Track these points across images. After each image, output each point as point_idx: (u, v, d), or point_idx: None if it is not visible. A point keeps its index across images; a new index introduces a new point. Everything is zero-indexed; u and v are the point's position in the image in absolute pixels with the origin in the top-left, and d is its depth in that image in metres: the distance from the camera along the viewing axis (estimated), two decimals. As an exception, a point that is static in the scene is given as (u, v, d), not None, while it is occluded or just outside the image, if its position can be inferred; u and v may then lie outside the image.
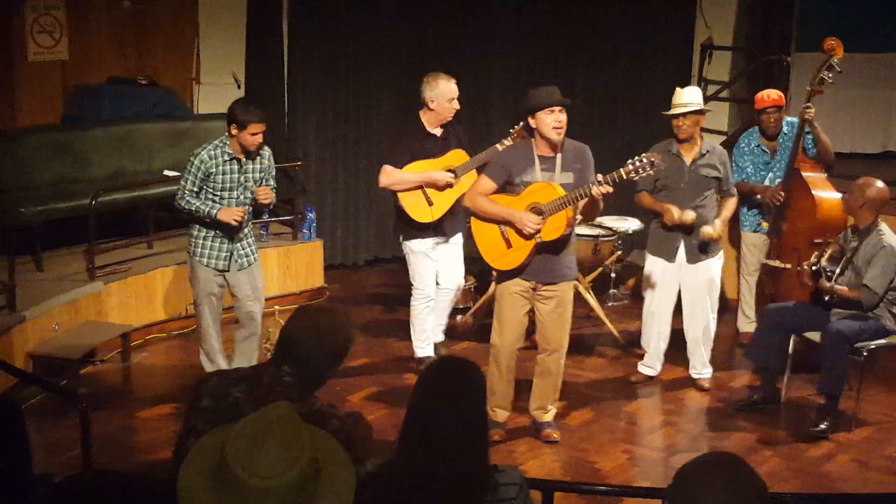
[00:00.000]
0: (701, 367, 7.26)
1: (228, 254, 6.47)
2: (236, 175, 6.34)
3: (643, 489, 5.41)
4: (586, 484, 5.64)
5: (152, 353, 7.81)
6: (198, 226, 6.44)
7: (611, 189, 5.68)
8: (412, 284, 7.21)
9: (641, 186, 6.88)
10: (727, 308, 8.41)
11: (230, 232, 6.40)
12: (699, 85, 9.99)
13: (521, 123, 6.71)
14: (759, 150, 7.78)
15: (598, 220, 7.98)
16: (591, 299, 8.25)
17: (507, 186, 5.99)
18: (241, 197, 6.39)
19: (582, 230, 7.77)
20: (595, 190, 5.65)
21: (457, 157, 6.98)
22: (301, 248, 9.07)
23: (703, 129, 7.07)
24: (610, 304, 8.86)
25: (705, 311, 7.12)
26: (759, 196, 7.71)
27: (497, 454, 5.85)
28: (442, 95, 6.86)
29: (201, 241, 6.45)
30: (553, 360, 6.22)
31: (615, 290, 9.04)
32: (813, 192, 7.50)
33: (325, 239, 9.48)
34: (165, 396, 6.93)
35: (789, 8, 10.01)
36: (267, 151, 6.51)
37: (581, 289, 7.97)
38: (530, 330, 6.43)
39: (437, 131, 6.98)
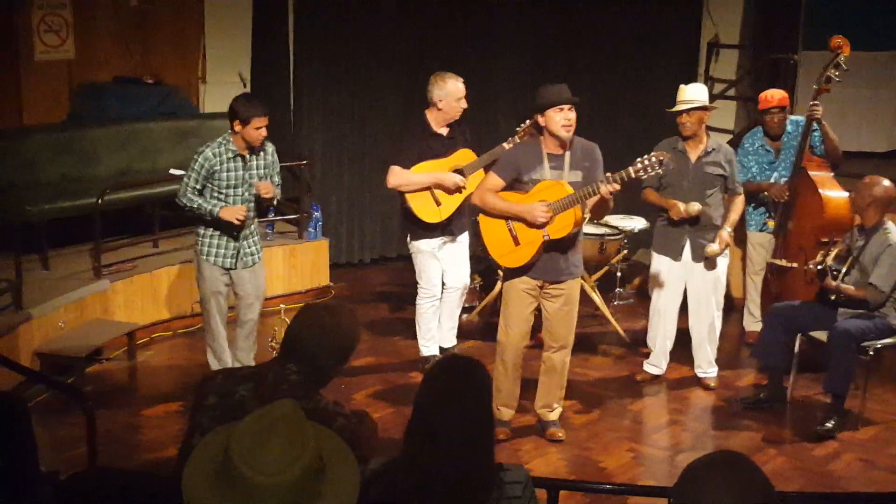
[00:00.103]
0: (706, 365, 7.26)
1: (235, 251, 6.48)
2: (241, 172, 6.35)
3: (648, 488, 5.41)
4: (591, 483, 5.63)
5: (158, 351, 7.82)
6: (204, 225, 6.44)
7: (619, 187, 5.67)
8: (418, 283, 7.21)
9: (646, 183, 6.87)
10: (733, 307, 8.42)
11: (233, 230, 6.40)
12: (705, 83, 9.98)
13: (528, 121, 6.71)
14: (763, 150, 7.77)
15: (604, 218, 7.97)
16: (597, 298, 8.24)
17: (515, 184, 5.99)
18: (246, 194, 6.40)
19: (588, 229, 7.76)
20: (604, 188, 5.64)
21: (464, 156, 6.97)
22: (306, 246, 9.07)
23: (708, 128, 7.07)
24: (615, 303, 8.86)
25: (710, 309, 7.12)
26: (765, 193, 7.71)
27: (502, 453, 5.84)
28: (450, 95, 6.85)
29: (208, 240, 6.45)
30: (559, 358, 6.22)
31: (621, 289, 9.03)
32: (820, 190, 7.49)
33: (330, 237, 9.48)
34: (171, 394, 6.94)
35: (796, 6, 10.01)
36: (270, 147, 6.52)
37: (587, 287, 7.96)
38: (536, 328, 6.43)
39: (444, 131, 6.97)
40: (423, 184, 6.86)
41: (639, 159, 5.76)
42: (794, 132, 7.67)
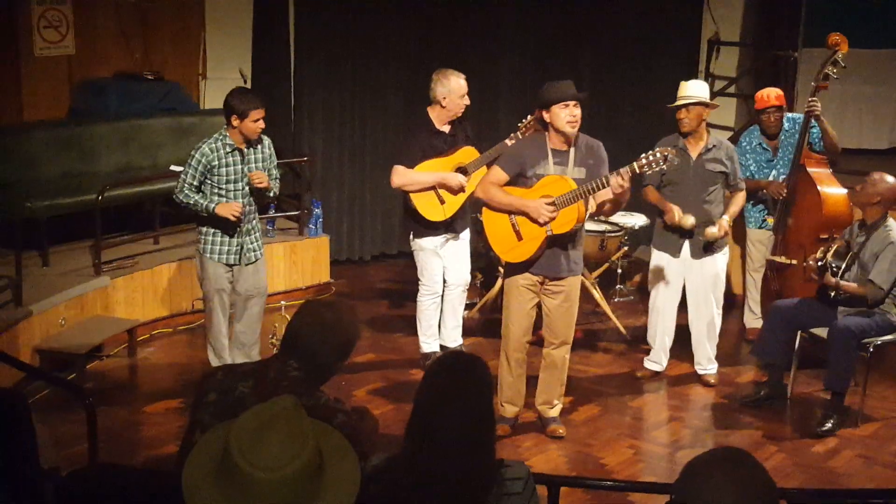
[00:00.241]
0: (706, 362, 7.26)
1: (238, 247, 6.48)
2: (240, 166, 6.35)
3: (649, 484, 5.43)
4: (592, 479, 5.64)
5: (158, 347, 7.82)
6: (205, 223, 6.44)
7: (627, 182, 5.67)
8: (419, 280, 7.20)
9: (648, 181, 6.88)
10: (733, 304, 8.41)
11: (234, 226, 6.40)
12: (706, 80, 9.96)
13: (530, 117, 6.71)
14: (760, 149, 7.78)
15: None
16: (598, 294, 8.24)
17: (519, 179, 5.99)
18: (246, 188, 6.40)
19: (588, 226, 7.75)
20: (613, 180, 5.64)
21: (467, 154, 6.97)
22: (307, 243, 9.07)
23: (709, 125, 7.06)
24: (616, 300, 8.86)
25: (710, 306, 7.12)
26: (763, 191, 7.71)
27: (503, 449, 5.83)
28: (454, 92, 6.85)
29: (210, 238, 6.45)
30: (559, 354, 6.23)
31: (621, 286, 9.03)
32: (819, 187, 7.49)
33: (331, 234, 9.48)
34: (171, 391, 6.94)
35: (797, 3, 9.99)
36: (267, 140, 6.53)
37: (587, 284, 7.96)
38: (537, 325, 6.43)
39: (446, 128, 6.96)
40: (427, 183, 6.86)
41: (644, 154, 5.77)
42: (792, 129, 7.67)
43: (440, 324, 7.32)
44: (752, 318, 8.10)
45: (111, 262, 7.87)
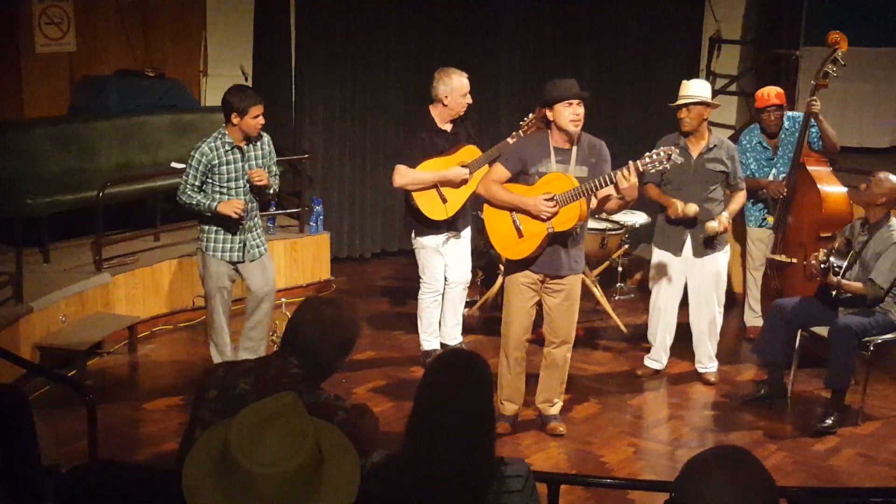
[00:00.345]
0: (707, 360, 7.26)
1: (241, 244, 6.47)
2: (240, 164, 6.34)
3: (649, 482, 5.43)
4: (592, 477, 5.65)
5: (159, 344, 7.82)
6: (207, 221, 6.43)
7: (633, 179, 5.66)
8: (420, 278, 7.20)
9: (648, 178, 6.87)
10: (733, 302, 8.41)
11: (236, 224, 6.39)
12: (707, 79, 9.97)
13: (531, 115, 6.71)
14: (760, 147, 7.78)
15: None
16: (598, 293, 8.24)
17: (520, 176, 5.99)
18: (247, 186, 6.39)
19: (589, 224, 7.75)
20: (619, 177, 5.64)
21: (469, 153, 6.96)
22: (308, 240, 9.07)
23: (709, 124, 7.06)
24: (616, 298, 8.86)
25: (711, 304, 7.12)
26: (763, 190, 7.71)
27: (503, 447, 5.85)
28: (456, 91, 6.84)
29: (213, 236, 6.44)
30: (560, 353, 6.23)
31: (622, 284, 9.03)
32: (819, 186, 7.50)
33: (331, 231, 9.48)
34: (172, 388, 6.94)
35: (798, 2, 9.99)
36: (266, 137, 6.52)
37: (588, 282, 7.96)
38: (537, 323, 6.43)
39: (448, 127, 6.96)
40: (429, 182, 6.85)
41: (647, 153, 5.77)
42: (792, 128, 7.67)
43: (440, 322, 7.32)
44: (753, 317, 8.10)
45: (112, 259, 7.87)
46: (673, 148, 5.82)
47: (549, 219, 5.84)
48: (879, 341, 6.50)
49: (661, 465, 6.04)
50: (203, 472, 2.40)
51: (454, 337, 7.37)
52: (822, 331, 6.66)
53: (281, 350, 3.49)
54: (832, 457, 6.17)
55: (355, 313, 3.65)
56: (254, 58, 9.63)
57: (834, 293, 6.59)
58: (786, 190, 7.55)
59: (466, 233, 7.20)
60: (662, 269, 7.13)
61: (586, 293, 7.59)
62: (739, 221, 7.98)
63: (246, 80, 9.30)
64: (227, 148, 6.29)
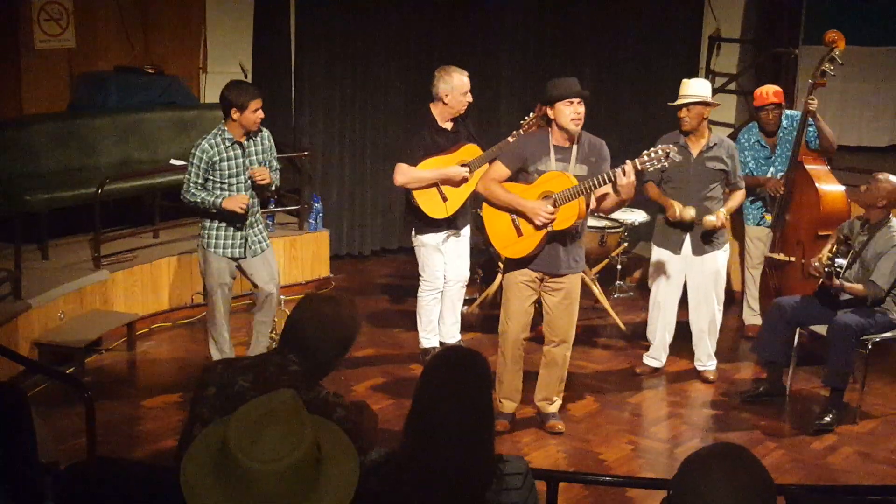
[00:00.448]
0: (706, 359, 7.26)
1: (243, 240, 6.46)
2: (241, 159, 6.33)
3: (647, 480, 5.43)
4: (591, 474, 5.65)
5: (157, 342, 7.82)
6: (209, 217, 6.42)
7: (631, 178, 5.66)
8: (420, 276, 7.20)
9: (648, 177, 6.87)
10: (732, 301, 8.41)
11: (239, 219, 6.38)
12: (707, 77, 9.96)
13: (532, 114, 6.70)
14: (758, 146, 7.78)
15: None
16: (597, 290, 8.24)
17: (520, 174, 5.99)
18: (248, 182, 6.38)
19: (588, 222, 7.76)
20: (618, 176, 5.64)
21: (470, 151, 6.96)
22: (307, 237, 9.07)
23: (709, 123, 7.05)
24: (615, 296, 8.85)
25: (711, 303, 7.12)
26: (761, 188, 7.71)
27: (502, 444, 5.85)
28: (456, 89, 6.84)
29: (214, 232, 6.42)
30: (559, 352, 6.23)
31: (621, 282, 9.03)
32: (816, 184, 7.50)
33: (331, 229, 9.47)
34: (170, 385, 6.94)
35: (798, 0, 9.99)
36: (266, 132, 6.51)
37: (587, 280, 7.96)
38: (536, 321, 6.43)
39: (448, 125, 6.95)
40: (430, 180, 6.85)
41: (645, 152, 5.77)
42: (790, 127, 7.68)
43: (439, 320, 7.32)
44: (751, 315, 8.10)
45: (110, 256, 7.86)
46: (671, 146, 5.81)
47: (545, 225, 5.83)
48: (878, 340, 6.51)
49: (660, 463, 6.04)
50: (202, 469, 2.40)
51: (453, 335, 7.37)
52: (821, 329, 6.66)
53: (280, 347, 3.49)
54: (830, 455, 6.17)
55: (355, 310, 3.64)
56: (253, 55, 9.62)
57: (833, 293, 6.59)
58: (783, 188, 7.55)
59: (466, 231, 7.20)
60: (662, 268, 7.13)
61: (585, 291, 7.59)
62: (738, 220, 7.99)
63: (246, 77, 9.30)
64: (228, 144, 6.28)
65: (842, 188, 7.58)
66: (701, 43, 10.63)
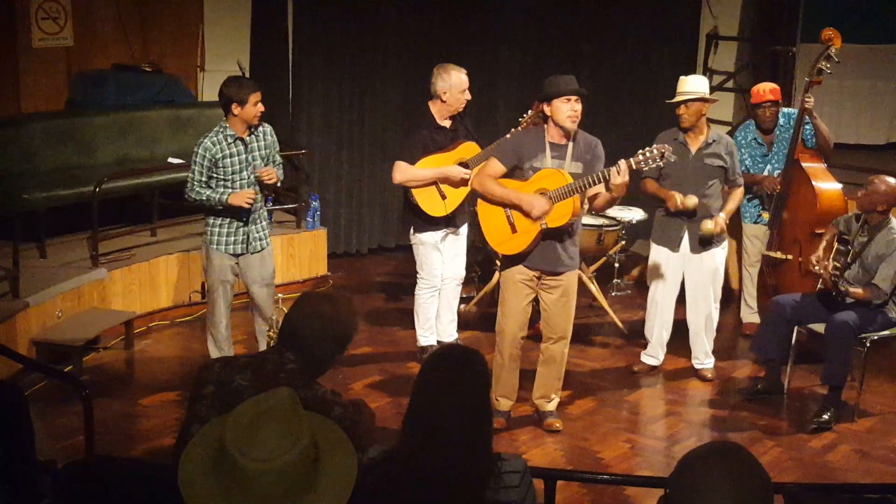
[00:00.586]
0: (703, 357, 7.27)
1: (245, 236, 6.44)
2: (244, 155, 6.32)
3: (645, 478, 5.43)
4: (588, 473, 5.65)
5: (155, 340, 7.81)
6: (213, 214, 6.41)
7: (625, 178, 5.66)
8: (418, 274, 7.20)
9: (646, 173, 6.86)
10: (730, 299, 8.42)
11: (243, 215, 6.37)
12: (704, 75, 9.96)
13: (530, 112, 6.70)
14: (755, 144, 7.78)
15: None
16: (594, 289, 8.25)
17: (515, 171, 6.00)
18: (251, 177, 6.37)
19: (586, 220, 7.75)
20: (613, 175, 5.64)
21: (469, 149, 6.96)
22: (305, 236, 9.07)
23: (707, 120, 7.06)
24: (613, 294, 8.85)
25: (708, 300, 7.12)
26: (758, 186, 7.71)
27: (500, 443, 5.86)
28: (454, 87, 6.84)
29: (217, 229, 6.40)
30: (557, 349, 6.23)
31: (618, 280, 9.03)
32: (813, 182, 7.51)
33: (328, 227, 9.47)
34: (168, 383, 6.94)
35: (795, -2, 10.00)
36: (268, 127, 6.49)
37: (584, 278, 7.97)
38: (534, 319, 6.44)
39: (447, 123, 6.96)
40: (428, 178, 6.85)
41: (640, 151, 5.78)
42: (787, 125, 7.68)
43: (436, 318, 7.32)
44: (749, 313, 8.11)
45: (108, 255, 7.87)
46: (666, 146, 5.82)
47: (540, 217, 5.84)
48: (876, 338, 6.52)
49: (658, 462, 6.05)
50: (199, 467, 2.40)
51: (450, 333, 7.38)
52: (819, 327, 6.67)
53: (278, 345, 3.50)
54: (828, 453, 6.17)
55: (352, 308, 3.65)
56: (251, 53, 9.62)
57: (840, 299, 6.57)
58: (780, 186, 7.56)
59: (464, 230, 7.20)
60: (660, 266, 7.14)
61: (583, 289, 7.60)
62: (735, 218, 7.98)
63: (243, 75, 9.29)
64: (230, 140, 6.27)
65: (838, 186, 7.59)
66: (698, 41, 10.62)
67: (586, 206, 6.17)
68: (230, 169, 6.28)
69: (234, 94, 6.20)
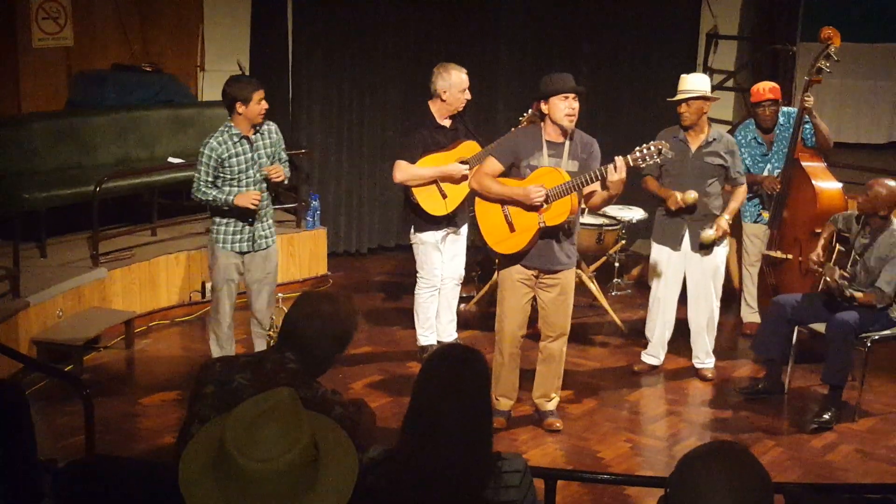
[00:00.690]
0: (704, 356, 7.26)
1: (251, 234, 6.43)
2: (249, 154, 6.31)
3: (645, 478, 5.43)
4: (589, 472, 5.65)
5: (155, 339, 7.81)
6: (220, 213, 6.40)
7: (622, 175, 5.66)
8: (418, 273, 7.20)
9: (647, 171, 6.86)
10: (731, 298, 8.41)
11: (250, 215, 6.36)
12: (704, 74, 9.97)
13: (530, 111, 6.70)
14: (755, 143, 7.78)
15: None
16: (594, 288, 8.24)
17: (512, 170, 5.99)
18: (258, 175, 6.35)
19: (586, 219, 7.77)
20: (610, 172, 5.64)
21: (469, 148, 6.96)
22: (305, 235, 9.07)
23: (708, 119, 7.05)
24: (613, 294, 8.85)
25: (709, 299, 7.12)
26: (758, 185, 7.71)
27: (500, 442, 5.86)
28: (454, 86, 6.84)
29: (223, 227, 6.39)
30: (557, 346, 6.23)
31: (619, 280, 9.03)
32: (813, 181, 7.51)
33: (328, 227, 9.47)
34: (168, 383, 6.94)
35: (795, -3, 10.01)
36: (273, 125, 6.48)
37: (584, 278, 7.97)
38: (533, 318, 6.44)
39: (447, 122, 6.96)
40: (429, 177, 6.85)
41: (637, 148, 5.77)
42: (786, 124, 7.68)
43: (435, 317, 7.32)
44: (749, 313, 8.10)
45: (108, 254, 7.87)
46: (663, 142, 5.81)
47: (539, 206, 5.83)
48: (877, 337, 6.51)
49: (658, 461, 6.05)
50: (200, 467, 2.40)
51: (450, 333, 7.38)
52: (820, 327, 6.66)
53: (278, 345, 3.50)
54: (829, 453, 6.17)
55: (352, 307, 3.64)
56: (251, 52, 9.62)
57: (846, 304, 6.57)
58: (780, 185, 7.55)
59: (464, 229, 7.20)
60: (661, 265, 7.13)
61: (583, 288, 7.60)
62: (735, 217, 7.97)
63: (243, 74, 9.29)
64: (235, 140, 6.25)
65: (838, 185, 7.59)
66: (698, 40, 10.63)
67: (584, 206, 6.17)
68: (236, 168, 6.27)
69: (238, 92, 6.20)
